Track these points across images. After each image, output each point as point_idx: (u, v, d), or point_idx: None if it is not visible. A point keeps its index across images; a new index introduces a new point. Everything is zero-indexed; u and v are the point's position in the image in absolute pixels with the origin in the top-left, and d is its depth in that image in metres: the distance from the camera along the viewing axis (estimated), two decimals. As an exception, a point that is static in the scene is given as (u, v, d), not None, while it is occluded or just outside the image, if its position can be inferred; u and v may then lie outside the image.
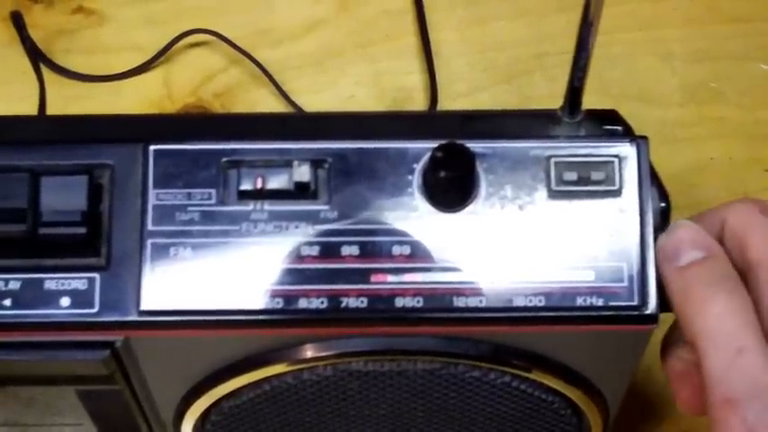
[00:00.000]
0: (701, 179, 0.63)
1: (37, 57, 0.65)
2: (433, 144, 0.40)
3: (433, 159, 0.40)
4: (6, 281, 0.40)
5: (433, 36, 0.66)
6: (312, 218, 0.41)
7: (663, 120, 0.64)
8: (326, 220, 0.41)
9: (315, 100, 0.65)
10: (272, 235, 0.41)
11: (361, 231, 0.41)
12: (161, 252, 0.41)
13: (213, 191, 0.41)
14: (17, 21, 0.65)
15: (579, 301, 0.40)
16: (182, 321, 0.41)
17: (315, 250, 0.41)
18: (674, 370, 0.43)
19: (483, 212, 0.41)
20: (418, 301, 0.40)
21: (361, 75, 0.66)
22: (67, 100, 0.64)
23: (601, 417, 0.46)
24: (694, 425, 0.57)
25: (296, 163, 0.41)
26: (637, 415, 0.57)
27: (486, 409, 0.46)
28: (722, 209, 0.41)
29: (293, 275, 0.41)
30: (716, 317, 0.38)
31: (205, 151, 0.41)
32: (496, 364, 0.43)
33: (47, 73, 0.65)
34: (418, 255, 0.41)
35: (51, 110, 0.63)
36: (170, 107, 0.64)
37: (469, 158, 0.40)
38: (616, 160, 0.41)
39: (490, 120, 0.44)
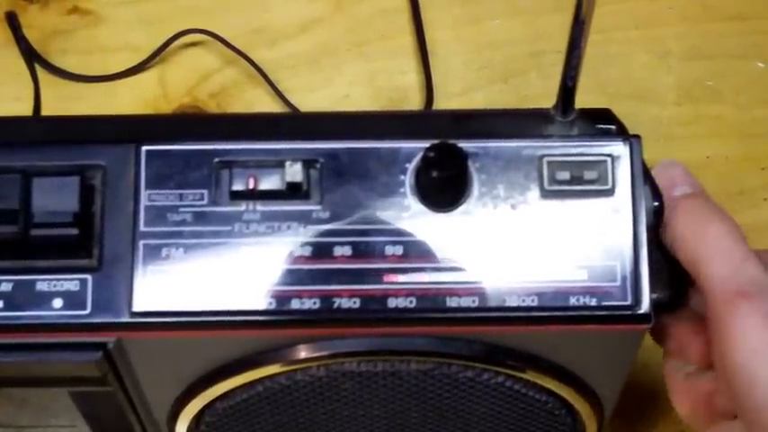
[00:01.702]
0: (697, 177, 0.62)
1: (32, 57, 0.65)
2: (426, 144, 0.40)
3: (425, 159, 0.40)
4: (-2, 282, 0.40)
5: (428, 35, 0.66)
6: (304, 218, 0.41)
7: (659, 118, 0.64)
8: (319, 221, 0.41)
9: (310, 99, 0.64)
10: (264, 235, 0.41)
11: (353, 232, 0.41)
12: (153, 253, 0.40)
13: (205, 191, 0.41)
14: (12, 21, 0.65)
15: (572, 301, 0.40)
16: (174, 322, 0.40)
17: (307, 251, 0.41)
18: (676, 381, 0.43)
19: (476, 212, 0.41)
20: (411, 302, 0.40)
21: (356, 74, 0.66)
22: (63, 100, 0.64)
23: (595, 416, 0.46)
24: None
25: (288, 163, 0.41)
26: (632, 414, 0.57)
27: (479, 409, 0.45)
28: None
29: (286, 276, 0.40)
30: (718, 233, 0.40)
31: (197, 152, 0.41)
32: (490, 365, 0.43)
33: (42, 73, 0.65)
34: (411, 255, 0.41)
35: (46, 110, 0.63)
36: (165, 107, 0.64)
37: (462, 158, 0.40)
38: (609, 159, 0.41)
39: (483, 119, 0.44)
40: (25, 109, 0.63)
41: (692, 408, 0.43)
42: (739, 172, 0.63)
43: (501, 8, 0.67)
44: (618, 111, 0.44)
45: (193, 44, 0.66)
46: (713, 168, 0.63)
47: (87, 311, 0.40)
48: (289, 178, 0.41)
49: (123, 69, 0.65)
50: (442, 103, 0.65)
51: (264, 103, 0.64)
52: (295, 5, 0.68)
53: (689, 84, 0.65)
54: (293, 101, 0.64)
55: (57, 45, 0.66)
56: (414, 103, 0.65)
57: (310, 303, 0.40)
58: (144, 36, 0.66)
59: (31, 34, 0.65)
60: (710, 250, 0.40)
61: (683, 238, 0.41)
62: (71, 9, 0.67)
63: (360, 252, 0.41)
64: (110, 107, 0.64)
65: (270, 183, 0.41)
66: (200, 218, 0.41)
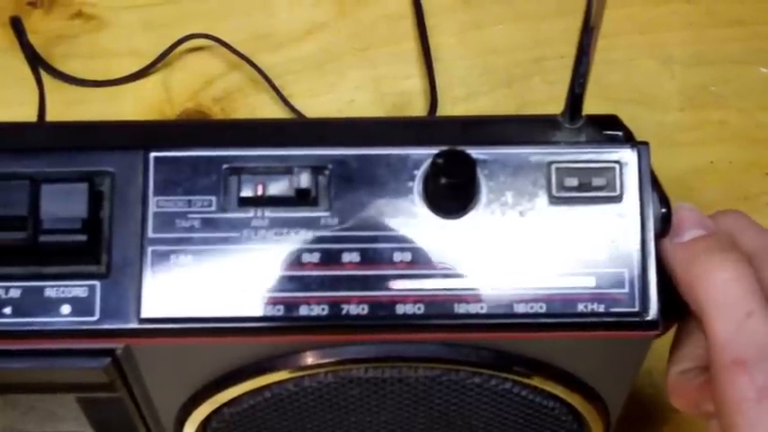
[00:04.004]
0: (700, 183, 0.63)
1: (36, 62, 0.65)
2: (434, 150, 0.40)
3: (433, 166, 0.40)
4: (6, 289, 0.40)
5: (432, 40, 0.66)
6: (313, 224, 0.41)
7: (662, 124, 0.64)
8: (327, 227, 0.41)
9: (314, 104, 0.65)
10: (272, 242, 0.41)
11: (361, 238, 0.41)
12: (161, 259, 0.40)
13: (214, 198, 0.41)
14: (16, 26, 0.65)
15: (580, 308, 0.40)
16: (182, 329, 0.40)
17: (315, 257, 0.41)
18: (678, 384, 0.43)
19: (484, 219, 0.41)
20: (419, 308, 0.40)
21: (360, 79, 0.66)
22: (67, 105, 0.64)
23: (602, 422, 0.46)
24: (695, 431, 0.57)
25: (296, 169, 0.41)
26: (637, 420, 0.57)
27: (487, 415, 0.46)
28: (712, 216, 0.43)
29: (294, 282, 0.40)
30: (723, 283, 0.39)
31: (205, 158, 0.41)
32: (497, 371, 0.43)
33: (46, 78, 0.64)
34: (419, 261, 0.41)
35: (51, 115, 0.63)
36: (170, 112, 0.64)
37: (470, 165, 0.40)
38: (617, 166, 0.41)
39: (491, 126, 0.44)
40: (30, 114, 0.63)
41: (688, 404, 0.43)
42: (743, 177, 0.63)
43: (504, 14, 0.67)
44: (621, 116, 0.44)
45: (197, 49, 0.66)
46: (717, 174, 0.63)
47: (96, 318, 0.40)
48: (297, 185, 0.41)
49: (127, 74, 0.65)
50: (446, 108, 0.65)
51: (268, 109, 0.64)
52: (299, 10, 0.68)
53: (692, 89, 0.65)
54: (297, 106, 0.64)
55: (61, 50, 0.66)
56: (418, 108, 0.65)
57: (318, 310, 0.40)
58: (148, 41, 0.66)
59: (35, 39, 0.65)
60: (713, 303, 0.39)
61: (688, 286, 0.40)
62: (75, 14, 0.67)
63: (368, 258, 0.41)
64: (114, 112, 0.64)
65: (278, 189, 0.41)
66: (209, 224, 0.41)
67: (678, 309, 0.42)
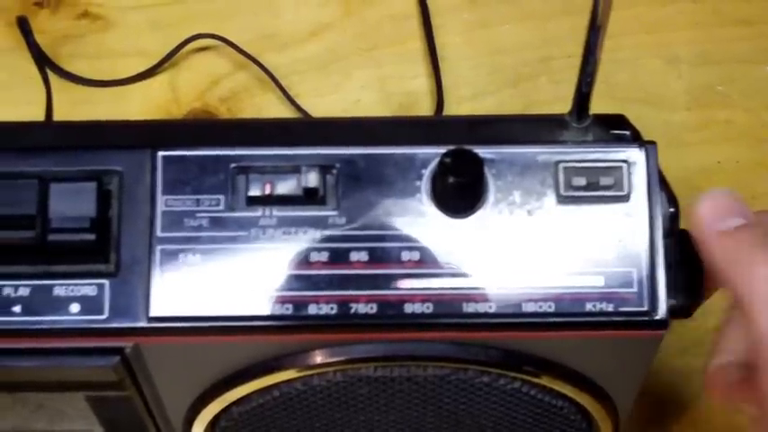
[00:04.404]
0: (707, 183, 0.62)
1: (43, 62, 0.65)
2: (442, 150, 0.40)
3: (441, 165, 0.40)
4: (16, 287, 0.40)
5: (438, 40, 0.66)
6: (321, 224, 0.41)
7: (669, 123, 0.64)
8: (335, 226, 0.41)
9: (320, 104, 0.65)
10: (280, 241, 0.41)
11: (369, 237, 0.41)
12: (170, 258, 0.41)
13: (222, 197, 0.41)
14: (23, 26, 0.65)
15: (589, 307, 0.40)
16: (191, 327, 0.41)
17: (324, 256, 0.41)
18: (716, 378, 0.43)
19: (492, 218, 0.41)
20: (428, 307, 0.40)
21: (366, 79, 0.66)
22: (74, 105, 0.64)
23: (610, 422, 0.46)
24: (706, 430, 0.57)
25: (304, 169, 0.41)
26: (646, 419, 0.57)
27: (495, 414, 0.46)
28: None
29: (302, 281, 0.41)
30: (764, 277, 0.38)
31: (213, 157, 0.41)
32: (506, 370, 0.43)
33: (53, 78, 0.65)
34: (427, 260, 0.41)
35: (58, 115, 0.63)
36: (176, 112, 0.64)
37: (478, 164, 0.40)
38: (625, 165, 0.41)
39: (498, 125, 0.44)
40: (37, 113, 0.63)
41: (724, 399, 0.42)
42: (750, 177, 0.63)
43: (510, 13, 0.67)
44: (628, 116, 0.44)
45: (204, 49, 0.66)
46: (724, 173, 0.63)
47: (105, 316, 0.40)
48: (305, 184, 0.41)
49: (134, 74, 0.65)
50: (452, 107, 0.65)
51: (275, 108, 0.64)
52: (305, 10, 0.68)
53: (699, 89, 0.65)
54: (304, 106, 0.64)
55: (67, 49, 0.66)
56: (424, 107, 0.65)
57: (327, 309, 0.40)
58: (154, 41, 0.66)
59: (41, 39, 0.65)
60: (758, 297, 0.38)
61: (729, 279, 0.38)
62: (82, 14, 0.67)
63: (376, 257, 0.41)
64: (121, 112, 0.64)
65: (286, 188, 0.41)
66: (217, 223, 0.41)
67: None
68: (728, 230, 0.39)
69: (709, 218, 0.39)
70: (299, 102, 0.64)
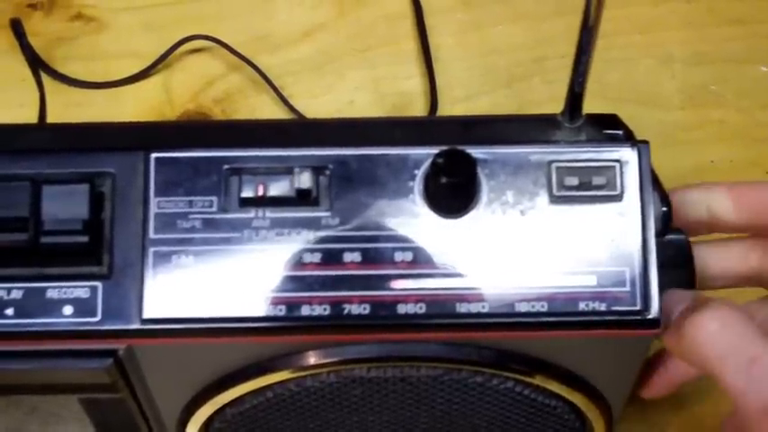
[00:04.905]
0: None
1: (37, 64, 0.65)
2: (434, 150, 0.40)
3: (434, 165, 0.40)
4: (8, 290, 0.40)
5: (432, 41, 0.66)
6: (314, 225, 0.41)
7: (663, 123, 0.64)
8: (328, 227, 0.41)
9: (314, 105, 0.65)
10: (273, 242, 0.41)
11: (362, 238, 0.41)
12: (163, 260, 0.41)
13: (215, 198, 0.41)
14: (17, 28, 0.65)
15: (581, 307, 0.40)
16: (184, 329, 0.41)
17: (317, 257, 0.41)
18: None
19: (485, 218, 0.41)
20: (421, 308, 0.40)
21: (360, 80, 0.66)
22: (67, 107, 0.64)
23: (604, 421, 0.47)
24: (697, 428, 0.57)
25: (297, 170, 0.41)
26: (638, 419, 0.57)
27: (489, 414, 0.46)
28: None
29: (295, 282, 0.41)
30: (711, 337, 0.38)
31: (206, 159, 0.41)
32: (499, 370, 0.43)
33: (46, 80, 0.65)
34: (420, 261, 0.41)
35: (51, 117, 0.63)
36: (170, 113, 0.64)
37: (471, 164, 0.40)
38: (617, 165, 0.41)
39: (491, 125, 0.44)
40: (30, 115, 0.63)
41: None
42: (744, 176, 0.62)
43: (504, 14, 0.68)
44: (621, 116, 0.44)
45: (197, 50, 0.66)
46: (718, 173, 0.63)
47: (97, 318, 0.40)
48: (298, 185, 0.41)
49: (128, 76, 0.65)
50: (446, 108, 0.65)
51: (269, 110, 0.64)
52: (299, 12, 0.68)
53: (692, 88, 0.65)
54: (297, 107, 0.64)
55: (61, 51, 0.66)
56: (418, 108, 0.65)
57: (320, 310, 0.40)
58: (148, 42, 0.66)
59: (35, 41, 0.65)
60: (713, 358, 0.38)
61: (686, 354, 0.40)
62: (75, 15, 0.67)
63: (369, 258, 0.41)
64: (114, 113, 0.64)
65: (279, 189, 0.41)
66: (210, 225, 0.41)
67: None
68: (673, 321, 0.40)
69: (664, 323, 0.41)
70: (293, 103, 0.64)
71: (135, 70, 0.65)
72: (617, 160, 0.41)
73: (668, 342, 0.41)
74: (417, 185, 0.41)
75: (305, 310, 0.40)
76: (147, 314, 0.40)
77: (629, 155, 0.41)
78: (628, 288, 0.40)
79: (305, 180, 0.41)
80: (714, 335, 0.38)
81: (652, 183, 0.41)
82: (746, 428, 0.38)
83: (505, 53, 0.66)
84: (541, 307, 0.40)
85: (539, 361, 0.43)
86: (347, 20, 0.67)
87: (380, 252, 0.41)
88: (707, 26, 0.66)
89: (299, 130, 0.46)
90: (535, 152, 0.41)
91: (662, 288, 0.40)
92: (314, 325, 0.41)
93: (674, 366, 0.46)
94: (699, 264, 0.44)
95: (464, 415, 0.46)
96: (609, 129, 0.43)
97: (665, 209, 0.42)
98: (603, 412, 0.46)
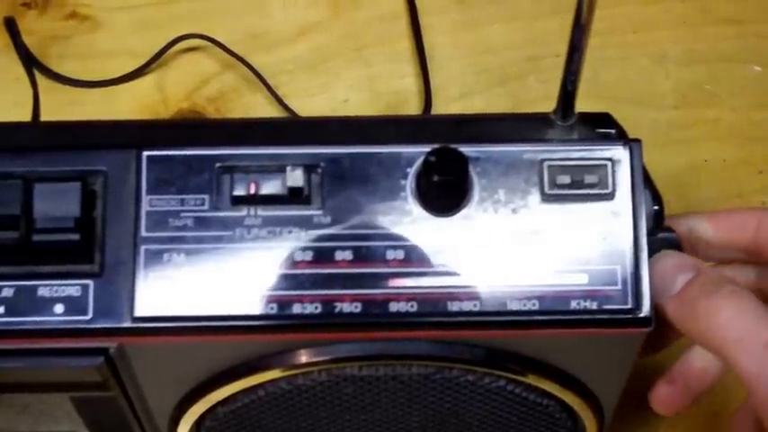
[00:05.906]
0: (694, 181, 0.63)
1: (31, 62, 0.65)
2: (427, 148, 0.40)
3: (426, 164, 0.40)
4: None
5: (426, 40, 0.66)
6: (306, 223, 0.41)
7: (656, 122, 0.64)
8: (320, 225, 0.41)
9: (309, 104, 0.65)
10: (265, 240, 0.41)
11: (354, 236, 0.41)
12: (155, 258, 0.41)
13: (206, 196, 0.41)
14: (11, 26, 0.65)
15: (573, 305, 0.40)
16: (176, 327, 0.41)
17: (308, 255, 0.41)
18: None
19: (476, 216, 0.41)
20: (412, 306, 0.40)
21: (354, 79, 0.66)
22: (61, 106, 0.64)
23: (596, 420, 0.46)
24: (691, 427, 0.57)
25: (289, 168, 0.41)
26: (632, 418, 0.57)
27: (481, 413, 0.46)
28: (758, 210, 0.43)
29: (287, 281, 0.41)
30: (727, 322, 0.38)
31: (198, 157, 0.41)
32: (491, 368, 0.43)
33: (41, 79, 0.65)
34: (412, 259, 0.41)
35: (45, 116, 0.63)
36: (164, 112, 0.64)
37: (463, 162, 0.40)
38: (609, 163, 0.41)
39: (483, 123, 0.44)
40: (24, 114, 0.63)
41: None
42: (737, 175, 0.63)
43: (498, 13, 0.68)
44: (615, 115, 0.44)
45: (192, 49, 0.66)
46: (711, 172, 0.63)
47: (89, 317, 0.40)
48: (290, 183, 0.41)
49: (122, 74, 0.65)
50: (441, 107, 0.65)
51: (263, 108, 0.64)
52: (293, 11, 0.68)
53: (686, 87, 0.65)
54: (292, 106, 0.64)
55: (55, 50, 0.66)
56: (412, 107, 0.65)
57: (312, 308, 0.40)
58: (142, 41, 0.66)
59: (29, 39, 0.65)
60: (728, 344, 0.38)
61: (697, 336, 0.39)
62: (69, 14, 0.67)
63: (361, 257, 0.41)
64: (109, 112, 0.64)
65: (271, 188, 0.41)
66: (202, 223, 0.41)
67: None
68: (679, 291, 0.40)
69: (659, 287, 0.40)
70: (287, 102, 0.64)
71: (129, 69, 0.65)
72: (609, 159, 0.41)
73: (672, 313, 0.40)
74: (410, 184, 0.41)
75: (296, 309, 0.40)
76: (138, 312, 0.40)
77: (620, 153, 0.41)
78: (619, 286, 0.40)
79: (297, 178, 0.41)
80: (731, 320, 0.38)
81: (644, 181, 0.41)
82: (760, 414, 0.38)
83: (500, 52, 0.66)
84: (533, 305, 0.40)
85: (530, 359, 0.43)
86: (342, 19, 0.67)
87: (372, 250, 0.41)
88: (701, 25, 0.67)
89: (292, 129, 0.46)
90: (527, 150, 0.41)
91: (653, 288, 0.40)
92: (305, 323, 0.41)
93: (693, 379, 0.46)
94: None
95: (456, 413, 0.46)
96: (601, 127, 0.43)
97: (656, 207, 0.42)
98: (595, 411, 0.46)
